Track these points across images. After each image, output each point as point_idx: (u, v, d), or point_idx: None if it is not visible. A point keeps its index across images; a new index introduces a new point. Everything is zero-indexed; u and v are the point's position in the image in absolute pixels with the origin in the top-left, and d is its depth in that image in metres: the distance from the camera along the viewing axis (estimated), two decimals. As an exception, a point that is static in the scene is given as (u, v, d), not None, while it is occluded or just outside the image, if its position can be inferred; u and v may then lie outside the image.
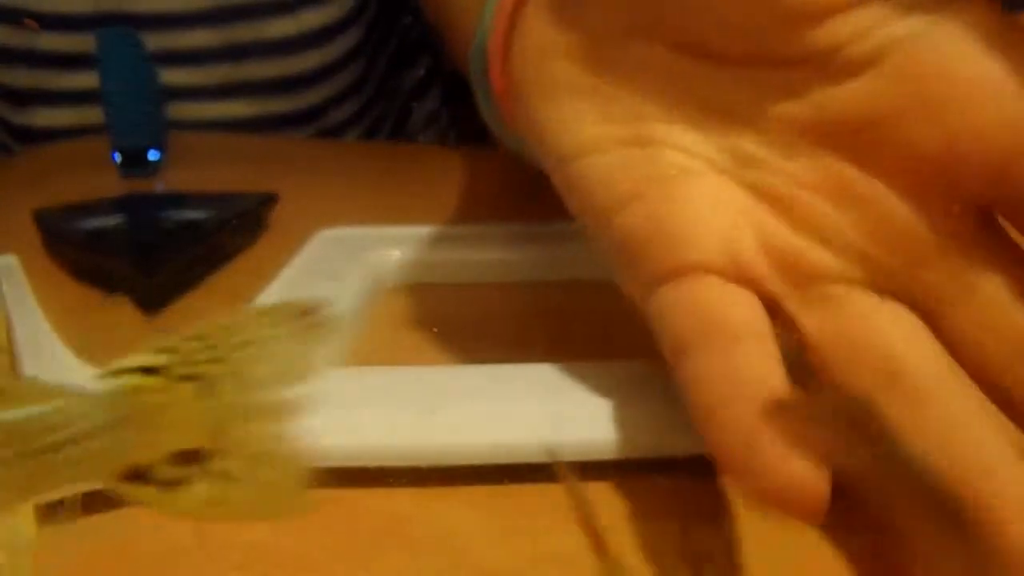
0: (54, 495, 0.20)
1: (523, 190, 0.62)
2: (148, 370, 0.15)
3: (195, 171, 0.69)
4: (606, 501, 0.22)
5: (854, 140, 0.20)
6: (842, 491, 0.17)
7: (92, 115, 0.65)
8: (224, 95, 0.80)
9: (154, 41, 0.76)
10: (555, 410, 0.24)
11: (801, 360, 0.20)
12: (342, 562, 0.20)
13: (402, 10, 0.76)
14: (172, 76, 0.78)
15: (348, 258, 0.38)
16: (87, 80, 0.70)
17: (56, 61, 0.77)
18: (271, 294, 0.33)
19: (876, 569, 0.19)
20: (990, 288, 0.20)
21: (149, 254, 0.39)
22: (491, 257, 0.38)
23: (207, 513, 0.15)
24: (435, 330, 0.33)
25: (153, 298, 0.35)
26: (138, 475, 0.15)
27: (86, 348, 0.28)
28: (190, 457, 0.15)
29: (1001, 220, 0.20)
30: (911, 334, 0.20)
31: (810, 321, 0.20)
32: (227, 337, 0.15)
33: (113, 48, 0.61)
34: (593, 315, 0.34)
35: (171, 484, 0.15)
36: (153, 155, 0.64)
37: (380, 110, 0.78)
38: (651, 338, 0.33)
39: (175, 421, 0.14)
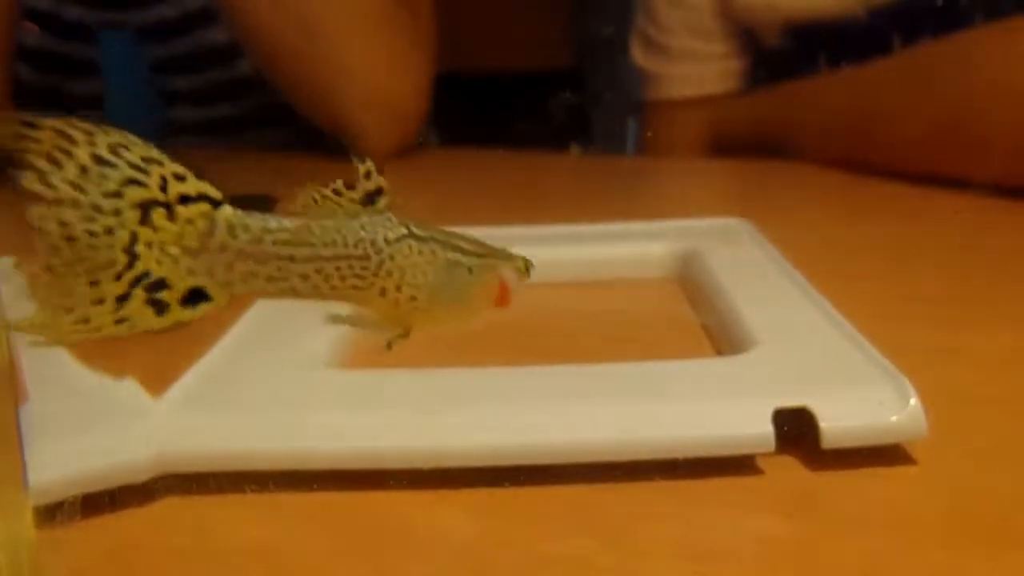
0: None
1: (522, 191, 0.63)
2: None
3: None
4: (606, 501, 0.22)
5: None
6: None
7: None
8: (221, 95, 0.80)
9: (155, 49, 0.76)
10: (555, 412, 0.24)
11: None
12: (342, 564, 0.20)
13: None
14: (172, 82, 0.79)
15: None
16: (92, 87, 0.70)
17: (61, 66, 0.78)
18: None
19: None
20: None
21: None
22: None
23: None
24: (435, 332, 0.33)
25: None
26: None
27: (86, 349, 0.28)
28: None
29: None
30: None
31: None
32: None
33: (113, 52, 0.61)
34: (595, 317, 0.34)
35: None
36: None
37: None
38: (650, 340, 0.33)
39: None
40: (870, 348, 0.26)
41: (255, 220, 0.18)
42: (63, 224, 0.17)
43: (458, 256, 0.20)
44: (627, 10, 0.80)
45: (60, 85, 0.79)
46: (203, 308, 0.18)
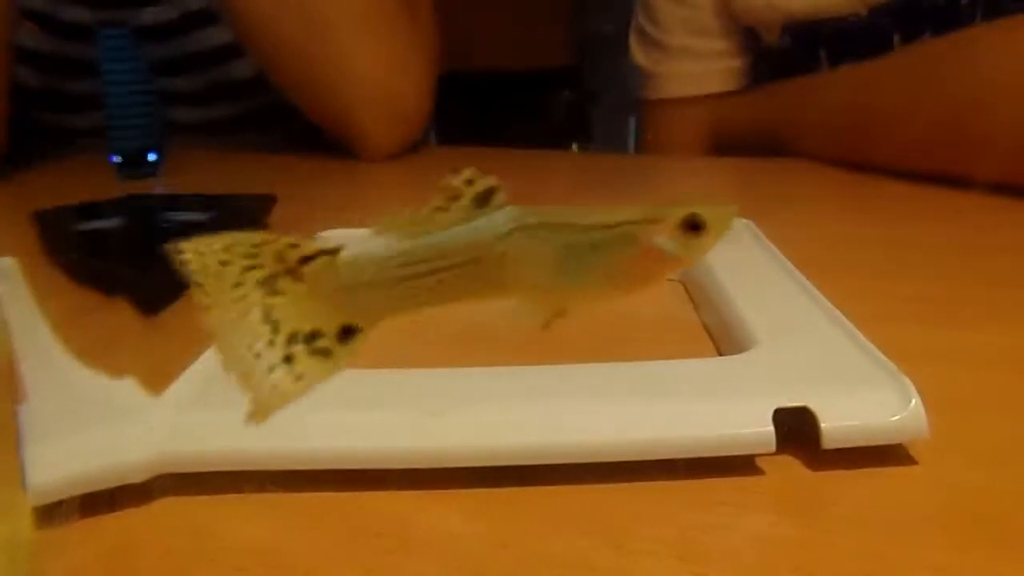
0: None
1: (523, 190, 0.62)
2: None
3: (194, 175, 0.69)
4: (607, 501, 0.22)
5: None
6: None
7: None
8: (219, 95, 0.80)
9: (155, 50, 0.76)
10: (555, 412, 0.24)
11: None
12: (341, 564, 0.20)
13: None
14: (171, 83, 0.79)
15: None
16: (91, 87, 0.70)
17: (60, 66, 0.78)
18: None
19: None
20: None
21: (148, 255, 0.39)
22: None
23: None
24: (434, 332, 0.33)
25: (152, 299, 0.35)
26: None
27: (84, 350, 0.28)
28: None
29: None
30: None
31: None
32: None
33: (112, 49, 0.61)
34: (595, 317, 0.34)
35: None
36: (151, 157, 0.64)
37: None
38: (651, 339, 0.33)
39: None
40: (871, 348, 0.26)
41: (370, 254, 0.20)
42: (221, 323, 0.20)
43: (574, 236, 0.20)
44: (628, 9, 0.80)
45: (59, 86, 0.79)
46: (357, 340, 0.20)
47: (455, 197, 0.20)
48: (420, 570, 0.20)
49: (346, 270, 0.20)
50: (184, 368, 0.26)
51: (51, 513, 0.21)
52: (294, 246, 0.20)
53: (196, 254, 0.20)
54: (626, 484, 0.22)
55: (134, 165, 0.63)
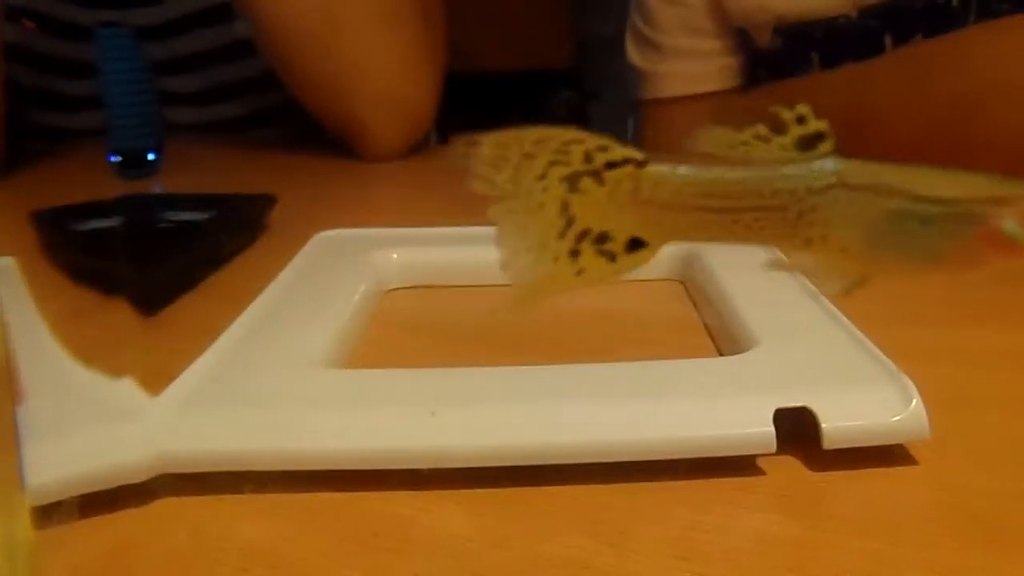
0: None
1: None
2: None
3: (194, 175, 0.69)
4: (607, 501, 0.22)
5: None
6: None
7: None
8: (218, 96, 0.80)
9: (154, 51, 0.76)
10: (555, 412, 0.24)
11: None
12: (341, 564, 0.20)
13: None
14: (170, 83, 0.79)
15: (348, 259, 0.38)
16: (91, 87, 0.70)
17: (60, 66, 0.78)
18: (270, 295, 0.33)
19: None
20: None
21: (147, 255, 0.39)
22: (490, 258, 0.38)
23: None
24: (434, 332, 0.33)
25: (151, 299, 0.35)
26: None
27: (83, 350, 0.28)
28: None
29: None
30: None
31: None
32: None
33: (112, 48, 0.61)
34: (596, 316, 0.34)
35: None
36: (151, 157, 0.64)
37: None
38: (651, 339, 0.33)
39: None
40: (872, 348, 0.26)
41: (674, 176, 0.20)
42: (512, 212, 0.20)
43: (902, 205, 0.18)
44: (626, 10, 0.80)
45: (57, 86, 0.79)
46: (643, 254, 0.20)
47: (780, 131, 0.19)
48: (420, 570, 0.20)
49: (647, 184, 0.20)
50: (183, 368, 0.26)
51: (50, 513, 0.21)
52: (603, 149, 0.20)
53: (497, 146, 0.20)
54: (626, 484, 0.22)
55: (133, 165, 0.63)
